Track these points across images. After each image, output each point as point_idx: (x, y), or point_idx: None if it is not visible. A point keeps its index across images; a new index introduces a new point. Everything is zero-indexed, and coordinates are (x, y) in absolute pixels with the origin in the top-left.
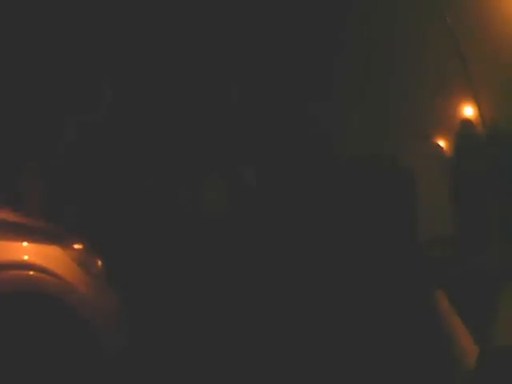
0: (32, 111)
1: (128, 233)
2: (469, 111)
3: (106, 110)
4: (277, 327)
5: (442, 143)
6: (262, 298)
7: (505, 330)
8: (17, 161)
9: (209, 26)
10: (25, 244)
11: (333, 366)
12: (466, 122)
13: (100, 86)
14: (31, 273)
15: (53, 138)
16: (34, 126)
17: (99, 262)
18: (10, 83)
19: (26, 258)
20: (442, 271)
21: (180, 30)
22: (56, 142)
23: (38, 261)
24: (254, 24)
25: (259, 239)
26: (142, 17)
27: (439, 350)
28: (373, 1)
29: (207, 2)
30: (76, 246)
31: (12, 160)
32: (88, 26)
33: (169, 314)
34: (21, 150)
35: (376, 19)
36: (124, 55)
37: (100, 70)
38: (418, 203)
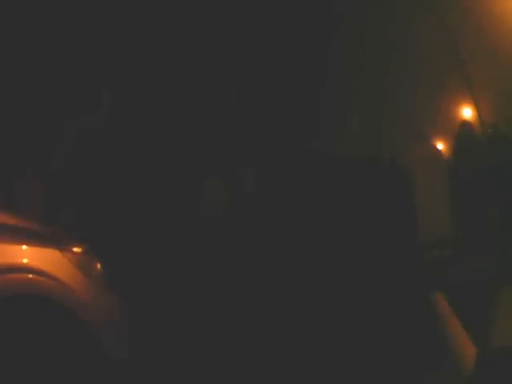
0: (32, 113)
1: (128, 234)
2: (468, 113)
3: (106, 112)
4: (277, 328)
5: (441, 144)
6: (263, 299)
7: (503, 330)
8: (17, 162)
9: (209, 28)
10: (24, 247)
11: (332, 366)
12: (466, 124)
13: (100, 89)
14: (30, 276)
15: (53, 140)
16: (34, 127)
17: (98, 265)
18: (11, 85)
19: (25, 261)
20: (442, 272)
21: (179, 32)
22: (56, 143)
23: (37, 264)
24: (252, 25)
25: (259, 240)
26: (141, 19)
27: (438, 351)
28: (371, 1)
29: (207, 3)
30: (75, 249)
31: (12, 162)
32: (87, 28)
33: (169, 315)
34: (21, 152)
35: (374, 20)
36: (123, 58)
37: (100, 73)
38: (418, 204)
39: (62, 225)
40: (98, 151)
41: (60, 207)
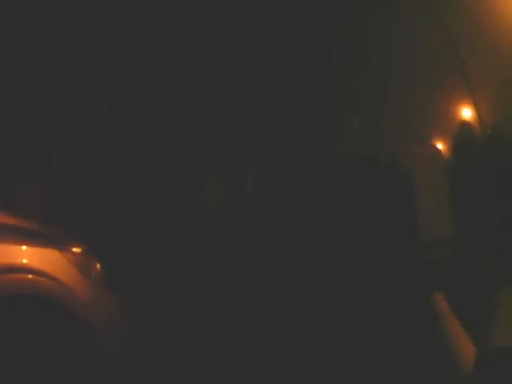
0: (32, 113)
1: (128, 234)
2: (467, 113)
3: (106, 112)
4: (277, 328)
5: (441, 145)
6: (263, 299)
7: (503, 330)
8: (17, 163)
9: (209, 28)
10: (24, 247)
11: (333, 366)
12: (465, 124)
13: (100, 89)
14: (30, 276)
15: (53, 140)
16: (34, 128)
17: (98, 265)
18: (11, 85)
19: (24, 261)
20: (442, 272)
21: (179, 32)
22: (56, 143)
23: (37, 264)
24: (253, 25)
25: (259, 240)
26: (141, 19)
27: (438, 352)
28: (371, 2)
29: (206, 4)
30: (75, 249)
31: (12, 162)
32: (88, 29)
33: (169, 316)
34: (21, 152)
35: (374, 20)
36: (123, 58)
37: (100, 73)
38: (418, 205)
39: (61, 225)
40: (98, 151)
41: (60, 207)
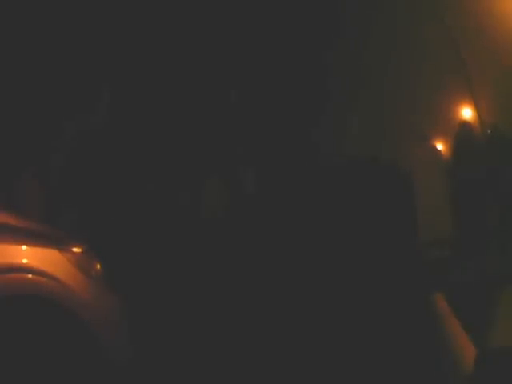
0: (32, 114)
1: (128, 234)
2: (468, 113)
3: (105, 112)
4: (277, 328)
5: (440, 145)
6: (263, 299)
7: (503, 330)
8: (17, 163)
9: (209, 28)
10: (24, 247)
11: (333, 366)
12: (465, 124)
13: (99, 89)
14: (30, 276)
15: (53, 140)
16: (34, 128)
17: (98, 265)
18: (11, 86)
19: (24, 261)
20: (442, 273)
21: (179, 33)
22: (56, 144)
23: (37, 264)
24: (253, 25)
25: (259, 240)
26: (141, 20)
27: (438, 351)
28: (372, 1)
29: (207, 4)
30: (75, 249)
31: (12, 162)
32: (87, 29)
33: (169, 315)
34: (21, 152)
35: (375, 20)
36: (123, 58)
37: (99, 73)
38: (417, 205)
39: (62, 225)
40: (98, 151)
41: (60, 207)
